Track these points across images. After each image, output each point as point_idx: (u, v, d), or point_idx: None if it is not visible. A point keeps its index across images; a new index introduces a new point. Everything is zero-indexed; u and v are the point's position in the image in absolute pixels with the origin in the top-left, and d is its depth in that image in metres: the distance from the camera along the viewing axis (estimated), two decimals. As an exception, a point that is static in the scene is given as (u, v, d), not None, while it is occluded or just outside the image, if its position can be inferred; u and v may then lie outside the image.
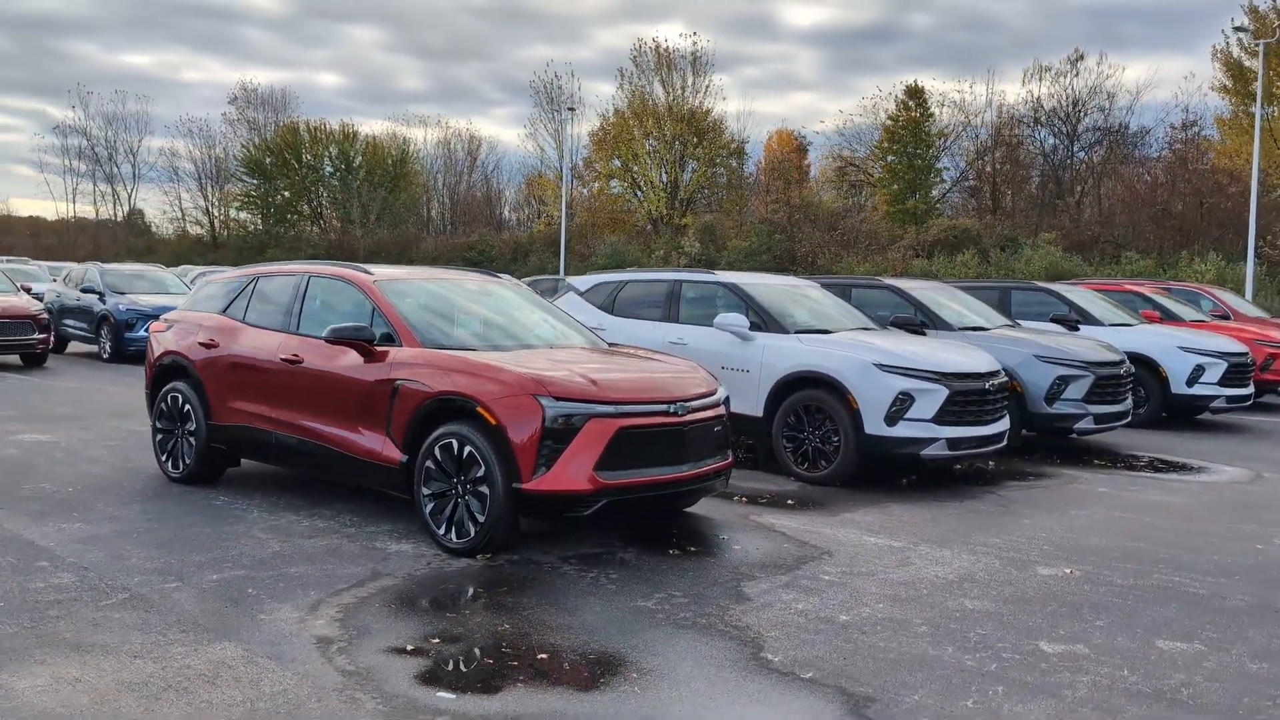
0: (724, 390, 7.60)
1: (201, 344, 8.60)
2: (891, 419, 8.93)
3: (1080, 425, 11.03)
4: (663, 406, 6.77)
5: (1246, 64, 46.21)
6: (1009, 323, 12.71)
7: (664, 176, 59.37)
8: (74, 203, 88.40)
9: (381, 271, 8.10)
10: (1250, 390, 13.77)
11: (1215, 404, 13.36)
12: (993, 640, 5.33)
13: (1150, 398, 13.42)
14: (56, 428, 11.48)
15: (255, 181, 73.23)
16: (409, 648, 5.04)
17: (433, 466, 6.78)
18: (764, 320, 9.93)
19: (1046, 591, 6.21)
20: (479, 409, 6.54)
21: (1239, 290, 35.40)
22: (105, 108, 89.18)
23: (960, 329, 11.69)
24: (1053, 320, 13.89)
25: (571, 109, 57.13)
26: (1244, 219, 38.42)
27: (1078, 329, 13.69)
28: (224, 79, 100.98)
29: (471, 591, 6.00)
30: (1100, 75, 48.65)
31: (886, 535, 7.48)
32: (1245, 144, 46.48)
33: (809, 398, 9.36)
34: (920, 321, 11.69)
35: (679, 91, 58.66)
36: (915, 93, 53.97)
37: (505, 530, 6.55)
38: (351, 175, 72.18)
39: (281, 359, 7.87)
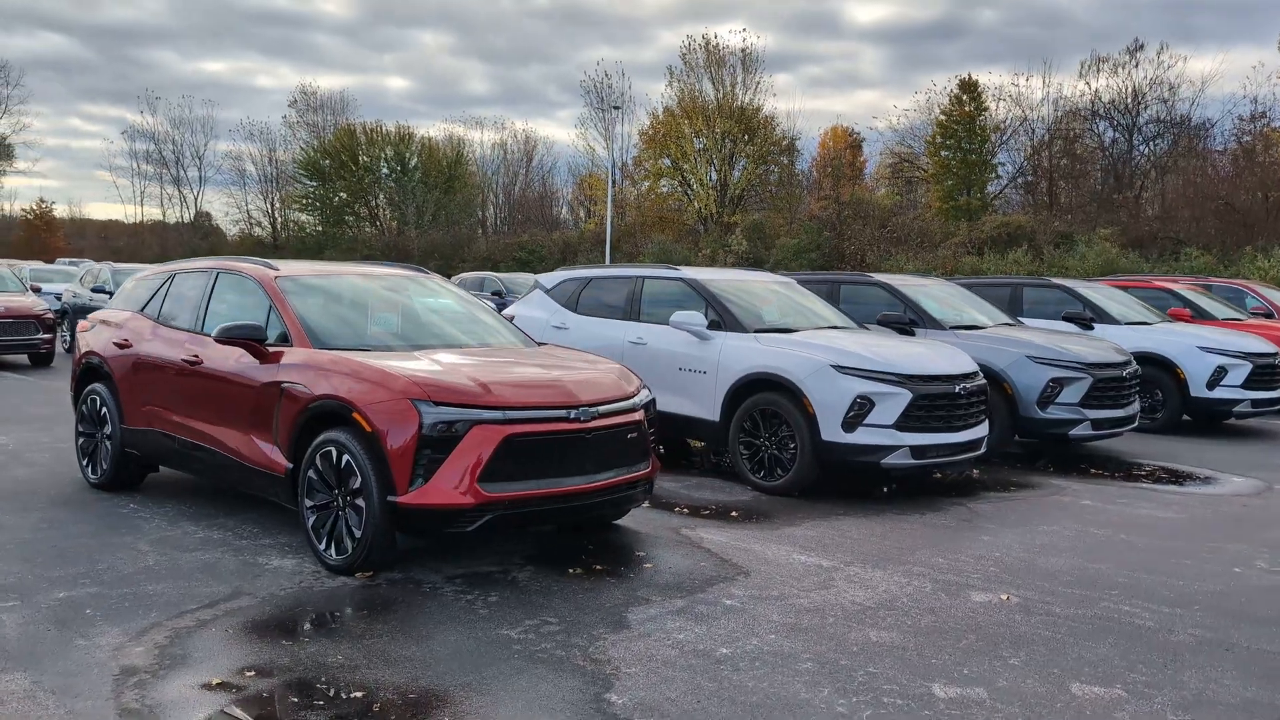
0: (647, 394, 7.01)
1: (116, 344, 8.20)
2: (849, 424, 8.27)
3: (1077, 431, 10.25)
4: (561, 412, 6.19)
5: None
6: (1009, 321, 11.93)
7: (713, 175, 58.68)
8: (142, 205, 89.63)
9: (288, 268, 7.61)
10: (1278, 394, 12.83)
11: (1239, 408, 12.45)
12: (880, 681, 4.69)
13: (1168, 401, 12.55)
14: (16, 429, 11.20)
15: (313, 183, 73.88)
16: (215, 682, 4.53)
17: (315, 476, 6.28)
18: (723, 318, 9.31)
19: (970, 622, 5.54)
20: (354, 414, 6.03)
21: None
22: (172, 112, 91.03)
23: (952, 328, 10.95)
24: (1065, 318, 13.10)
25: (617, 107, 56.70)
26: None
27: (1092, 328, 12.89)
28: (294, 84, 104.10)
29: (326, 616, 5.48)
30: (1161, 66, 47.04)
31: (821, 553, 6.84)
32: (1314, 136, 44.72)
33: (765, 401, 8.73)
34: (910, 320, 11.00)
35: (729, 88, 57.93)
36: (969, 86, 52.73)
37: (382, 547, 6.02)
38: (407, 177, 72.45)
39: (182, 360, 7.43)
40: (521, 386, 6.27)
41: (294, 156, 75.85)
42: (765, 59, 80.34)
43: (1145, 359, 12.52)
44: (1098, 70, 48.36)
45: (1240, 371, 12.38)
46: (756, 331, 9.14)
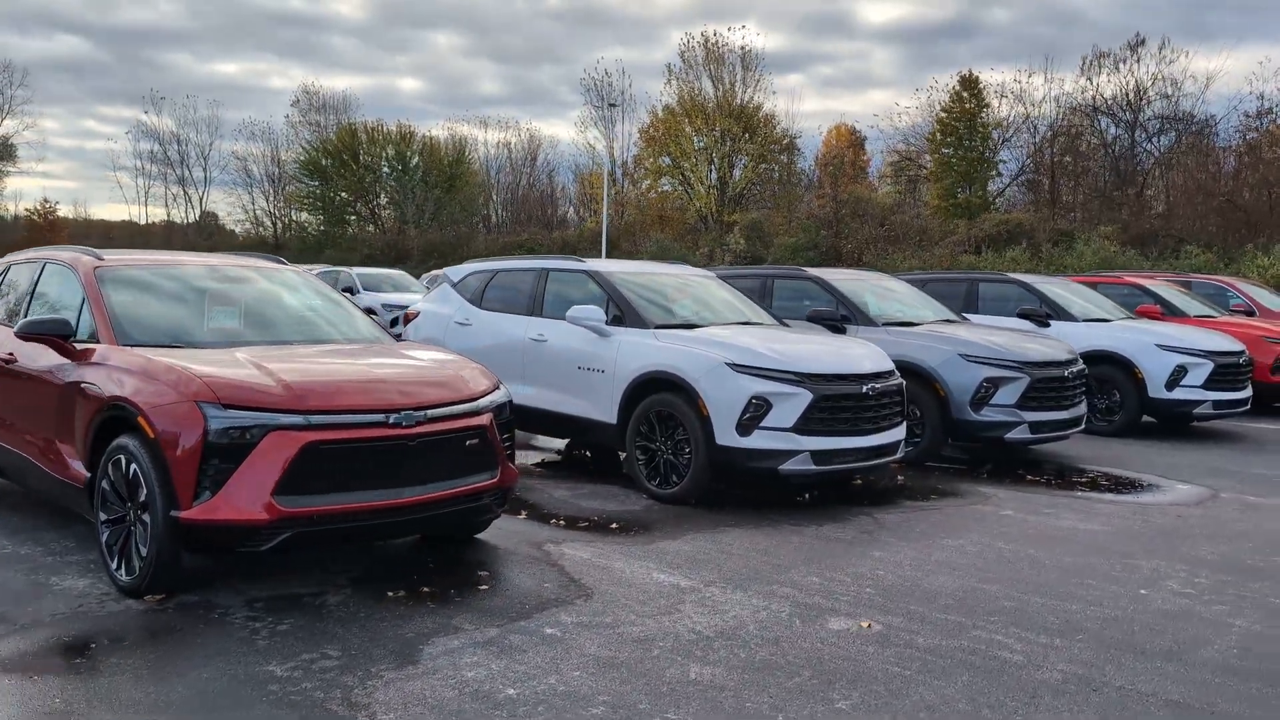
0: (501, 395, 6.35)
1: (-55, 342, 7.57)
2: (744, 427, 7.60)
3: (1013, 435, 9.56)
4: (379, 417, 5.53)
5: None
6: (952, 318, 11.22)
7: (713, 173, 57.97)
8: (147, 206, 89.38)
9: (114, 257, 6.97)
10: (1245, 394, 12.09)
11: (1200, 410, 11.71)
12: (673, 730, 4.02)
13: (1125, 403, 11.83)
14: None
15: (315, 183, 73.55)
16: (-107, 731, 3.90)
17: (108, 488, 5.65)
18: (624, 313, 8.65)
19: (812, 655, 4.86)
20: (139, 419, 5.38)
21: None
22: (177, 113, 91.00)
23: (885, 324, 10.27)
24: (1020, 315, 12.40)
25: (614, 104, 55.98)
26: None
27: (1048, 325, 12.19)
28: (308, 84, 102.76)
29: (84, 647, 4.84)
30: (1163, 61, 46.12)
31: (686, 571, 6.17)
32: (1321, 131, 43.78)
33: (661, 402, 8.06)
34: (842, 316, 10.33)
35: (728, 86, 57.20)
36: (970, 83, 51.93)
37: (167, 567, 5.37)
38: (408, 176, 72.01)
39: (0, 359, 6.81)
40: (336, 387, 5.62)
41: (295, 156, 75.42)
42: (765, 56, 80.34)
43: (1101, 358, 11.83)
44: (1099, 66, 47.46)
45: (1201, 371, 11.65)
46: (657, 328, 8.47)
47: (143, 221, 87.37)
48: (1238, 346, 12.17)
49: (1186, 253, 36.80)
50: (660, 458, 8.07)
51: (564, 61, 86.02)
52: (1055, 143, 50.03)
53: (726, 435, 7.62)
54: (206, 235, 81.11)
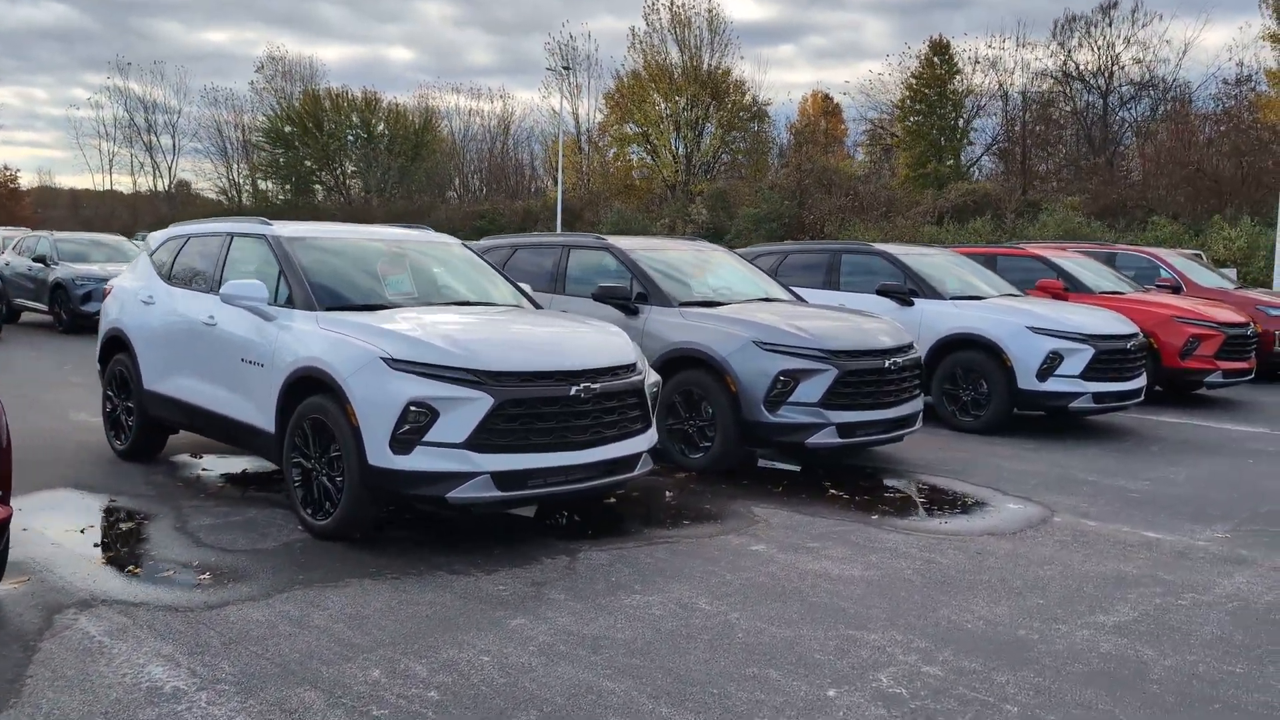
0: None
1: None
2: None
3: (818, 439, 7.82)
4: None
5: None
6: (764, 297, 9.41)
7: (678, 142, 55.97)
8: (111, 174, 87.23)
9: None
10: (1135, 385, 10.32)
11: (1077, 404, 9.93)
12: None
13: (993, 395, 10.05)
14: None
15: (278, 150, 71.58)
16: None
17: None
18: (296, 294, 6.85)
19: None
20: None
21: (1265, 260, 31.31)
22: (145, 79, 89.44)
23: (681, 304, 8.53)
24: (879, 291, 10.66)
25: (567, 68, 53.77)
26: (1284, 180, 34.17)
27: (911, 303, 10.44)
28: (298, 54, 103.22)
29: None
30: (1135, 24, 44.08)
31: (200, 659, 4.42)
32: (1296, 97, 41.89)
33: (315, 406, 6.26)
34: (639, 294, 8.65)
35: (694, 50, 55.08)
36: (940, 48, 49.97)
37: None
38: (373, 144, 70.10)
39: None
40: None
41: (259, 123, 73.38)
42: (732, 21, 78.64)
43: (966, 342, 10.09)
44: (1071, 30, 45.43)
45: (1079, 358, 9.87)
46: (331, 309, 6.68)
47: (105, 189, 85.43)
48: (1129, 329, 10.39)
49: (1154, 224, 35.02)
50: (316, 481, 6.28)
51: (556, 31, 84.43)
52: (1027, 110, 48.13)
53: (378, 455, 5.85)
54: (175, 204, 79.21)
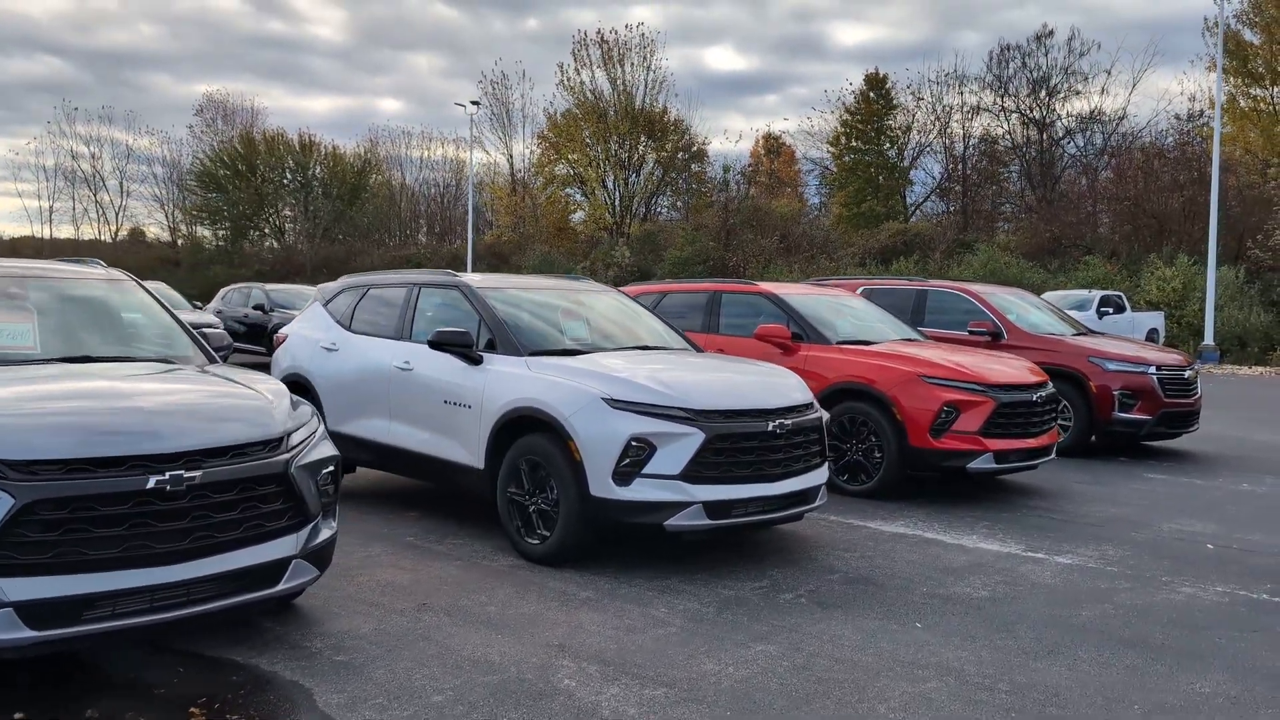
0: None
1: None
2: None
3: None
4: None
5: (1246, 37, 39.83)
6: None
7: (610, 181, 53.83)
8: (51, 224, 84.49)
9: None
10: (774, 490, 7.11)
11: (676, 520, 6.36)
12: None
13: (564, 500, 6.78)
14: None
15: (212, 194, 69.18)
16: None
17: None
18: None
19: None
20: None
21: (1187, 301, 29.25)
22: (89, 127, 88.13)
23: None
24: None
25: (475, 102, 51.59)
26: (1233, 215, 32.22)
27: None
28: (289, 105, 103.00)
29: None
30: (1073, 53, 42.41)
31: None
32: (1245, 129, 40.23)
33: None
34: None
35: (622, 86, 53.07)
36: (877, 83, 48.21)
37: None
38: (308, 188, 67.86)
39: None
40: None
41: (193, 167, 71.10)
42: (668, 59, 78.75)
43: (531, 420, 7.49)
44: (1005, 61, 43.72)
45: (677, 450, 6.43)
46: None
47: (46, 237, 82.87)
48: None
49: (1086, 263, 33.04)
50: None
51: (542, 83, 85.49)
52: (967, 145, 46.33)
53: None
54: (124, 251, 76.44)
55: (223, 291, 27.02)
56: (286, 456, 4.92)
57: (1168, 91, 71.59)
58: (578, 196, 57.25)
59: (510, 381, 7.01)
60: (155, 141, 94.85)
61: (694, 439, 6.36)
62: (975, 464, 8.80)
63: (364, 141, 78.82)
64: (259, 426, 4.98)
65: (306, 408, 5.50)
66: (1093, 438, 11.66)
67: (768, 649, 5.16)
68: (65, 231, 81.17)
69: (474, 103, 51.89)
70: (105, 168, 77.66)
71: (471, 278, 8.12)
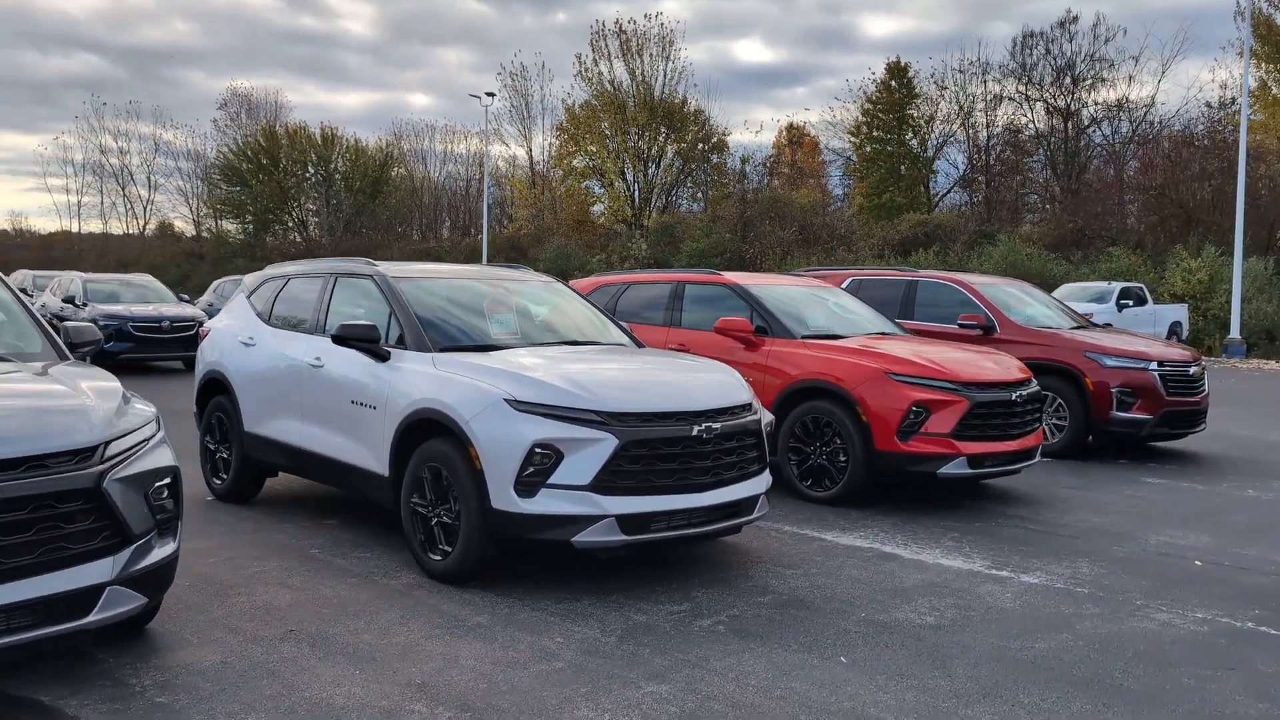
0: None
1: None
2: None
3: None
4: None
5: (1278, 21, 38.64)
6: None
7: (629, 173, 53.09)
8: (79, 219, 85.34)
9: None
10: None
11: (584, 536, 5.75)
12: None
13: (465, 512, 6.11)
14: None
15: (235, 188, 69.17)
16: None
17: None
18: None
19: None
20: None
21: (1216, 292, 28.23)
22: (118, 122, 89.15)
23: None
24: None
25: (491, 94, 50.86)
26: (1262, 205, 31.15)
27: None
28: (321, 100, 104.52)
29: None
30: (1098, 39, 41.25)
31: None
32: (1276, 116, 39.08)
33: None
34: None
35: (642, 78, 52.28)
36: (898, 71, 47.23)
37: None
38: (330, 182, 67.61)
39: None
40: None
41: (218, 161, 71.05)
42: (685, 44, 78.82)
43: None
44: (1029, 49, 42.62)
45: (583, 461, 5.79)
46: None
47: (75, 230, 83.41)
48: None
49: (1110, 255, 32.03)
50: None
51: (569, 77, 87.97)
52: (990, 134, 45.29)
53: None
54: (150, 245, 76.79)
55: (215, 283, 26.57)
56: (100, 469, 4.30)
57: (1198, 79, 70.00)
58: (597, 189, 56.56)
59: (415, 380, 6.39)
60: (180, 135, 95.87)
61: (606, 445, 5.71)
62: (947, 469, 8.10)
63: (388, 135, 78.59)
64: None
65: (144, 412, 4.88)
66: (1090, 438, 10.91)
67: (659, 689, 4.51)
68: (94, 226, 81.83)
69: (489, 94, 51.16)
70: (133, 162, 78.16)
71: (388, 267, 7.47)
